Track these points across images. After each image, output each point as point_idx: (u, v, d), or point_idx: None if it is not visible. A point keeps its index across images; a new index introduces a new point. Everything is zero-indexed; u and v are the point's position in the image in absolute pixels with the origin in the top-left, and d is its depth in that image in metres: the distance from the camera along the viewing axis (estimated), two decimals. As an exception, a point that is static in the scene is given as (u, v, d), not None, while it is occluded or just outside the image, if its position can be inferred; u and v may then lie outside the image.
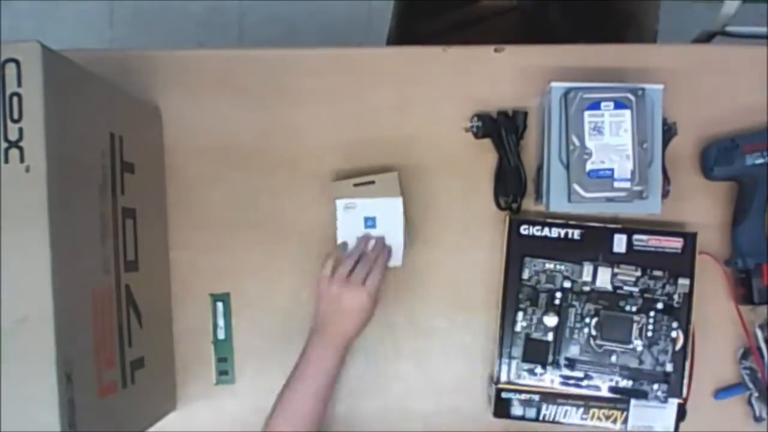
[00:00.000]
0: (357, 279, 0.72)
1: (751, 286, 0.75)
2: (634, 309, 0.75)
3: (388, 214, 0.75)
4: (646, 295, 0.75)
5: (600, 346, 0.75)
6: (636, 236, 0.75)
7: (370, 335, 0.79)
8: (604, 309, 0.75)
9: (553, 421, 0.75)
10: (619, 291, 0.75)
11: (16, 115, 0.51)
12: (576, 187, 0.70)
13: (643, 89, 0.71)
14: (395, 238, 0.75)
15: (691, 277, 0.75)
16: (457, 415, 0.79)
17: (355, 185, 0.76)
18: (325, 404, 0.72)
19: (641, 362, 0.75)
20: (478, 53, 0.80)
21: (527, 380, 0.75)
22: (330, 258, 0.74)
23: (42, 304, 0.51)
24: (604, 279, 0.75)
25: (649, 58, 0.79)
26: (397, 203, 0.75)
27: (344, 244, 0.76)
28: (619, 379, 0.75)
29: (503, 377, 0.75)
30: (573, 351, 0.75)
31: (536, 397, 0.75)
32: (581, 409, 0.75)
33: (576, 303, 0.76)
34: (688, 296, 0.75)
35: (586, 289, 0.75)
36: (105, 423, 0.60)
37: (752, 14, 0.93)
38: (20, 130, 0.51)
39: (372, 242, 0.75)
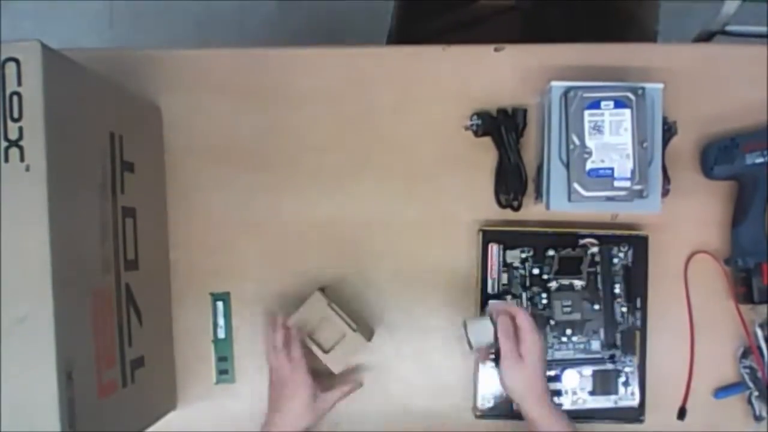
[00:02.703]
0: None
1: (751, 285, 0.74)
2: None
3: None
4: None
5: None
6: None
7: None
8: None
9: None
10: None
11: (16, 114, 0.51)
12: (576, 186, 0.70)
13: (643, 88, 0.71)
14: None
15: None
16: (457, 414, 0.79)
17: None
18: None
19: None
20: (477, 52, 0.80)
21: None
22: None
23: (42, 303, 0.51)
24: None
25: (649, 57, 0.79)
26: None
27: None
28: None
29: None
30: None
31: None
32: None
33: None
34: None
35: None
36: (105, 422, 0.59)
37: (752, 14, 0.93)
38: (20, 129, 0.51)
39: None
